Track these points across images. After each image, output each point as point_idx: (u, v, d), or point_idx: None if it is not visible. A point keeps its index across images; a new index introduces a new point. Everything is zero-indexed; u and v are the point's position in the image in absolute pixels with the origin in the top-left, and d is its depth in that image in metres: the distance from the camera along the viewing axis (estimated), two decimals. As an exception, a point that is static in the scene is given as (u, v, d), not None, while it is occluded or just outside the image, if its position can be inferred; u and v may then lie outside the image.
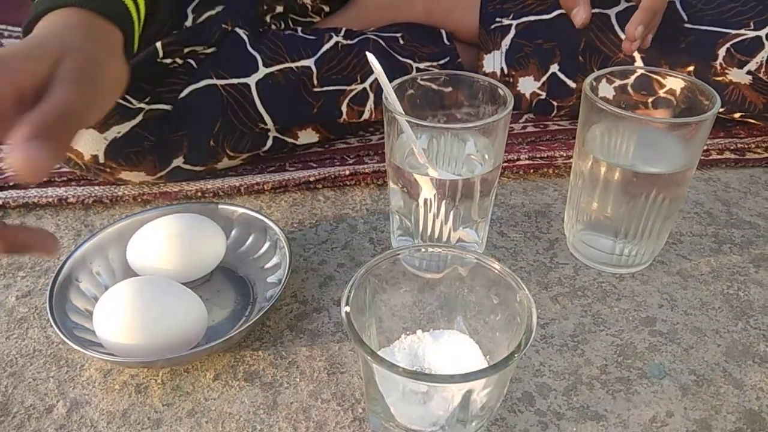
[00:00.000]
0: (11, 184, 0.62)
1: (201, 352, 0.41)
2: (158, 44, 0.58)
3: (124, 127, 0.58)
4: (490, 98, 0.49)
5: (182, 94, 0.60)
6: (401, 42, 0.71)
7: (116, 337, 0.41)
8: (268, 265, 0.51)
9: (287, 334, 0.47)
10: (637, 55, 0.68)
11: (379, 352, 0.41)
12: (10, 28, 0.99)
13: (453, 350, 0.42)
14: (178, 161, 0.61)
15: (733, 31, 0.65)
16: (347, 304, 0.37)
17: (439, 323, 0.44)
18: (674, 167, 0.47)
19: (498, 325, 0.40)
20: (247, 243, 0.53)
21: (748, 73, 0.65)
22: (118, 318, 0.41)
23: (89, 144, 0.57)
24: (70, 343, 0.41)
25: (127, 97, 0.57)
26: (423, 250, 0.43)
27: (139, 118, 0.58)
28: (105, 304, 0.42)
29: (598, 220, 0.51)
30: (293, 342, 0.46)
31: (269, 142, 0.65)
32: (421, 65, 0.72)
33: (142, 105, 0.58)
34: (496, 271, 0.39)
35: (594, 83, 0.50)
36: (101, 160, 0.58)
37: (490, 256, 0.40)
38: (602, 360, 0.44)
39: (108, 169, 0.59)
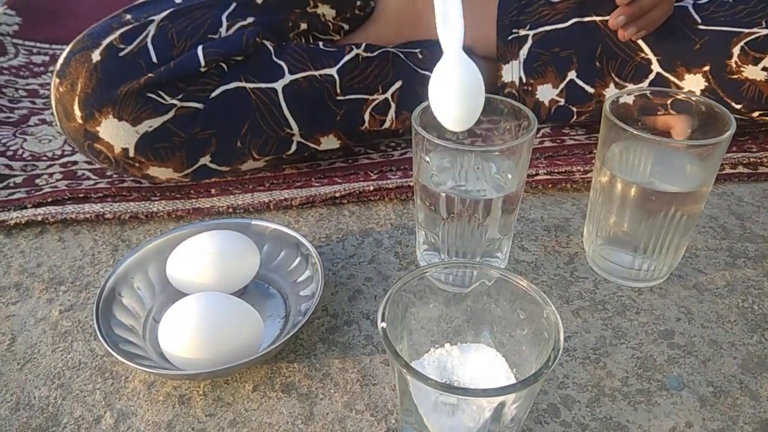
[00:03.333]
0: (50, 200, 0.64)
1: (241, 365, 0.44)
2: (200, 54, 0.60)
3: (155, 122, 0.60)
4: (512, 115, 0.51)
5: (213, 94, 0.62)
6: (420, 56, 0.74)
7: (183, 353, 0.43)
8: (300, 279, 0.53)
9: (320, 347, 0.49)
10: (653, 57, 0.70)
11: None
12: (39, 44, 1.02)
13: (480, 363, 0.44)
14: (205, 159, 0.64)
15: (746, 30, 0.66)
16: (383, 320, 0.39)
17: (466, 336, 0.46)
18: (691, 185, 0.49)
19: (524, 339, 0.42)
20: (279, 258, 0.55)
21: (764, 69, 0.66)
22: (185, 333, 0.43)
23: (121, 137, 0.60)
24: (117, 356, 0.44)
25: (161, 93, 0.60)
26: (449, 267, 0.45)
27: (171, 114, 0.60)
28: (171, 321, 0.44)
29: (618, 235, 0.53)
30: (326, 354, 0.48)
31: (293, 147, 0.67)
32: (441, 80, 0.74)
33: (174, 101, 0.60)
34: (523, 287, 0.41)
35: (615, 100, 0.51)
36: (131, 153, 0.61)
37: (513, 272, 0.42)
38: (623, 372, 0.46)
39: (137, 164, 0.62)
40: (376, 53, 0.71)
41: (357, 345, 0.49)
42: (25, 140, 0.77)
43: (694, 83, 0.55)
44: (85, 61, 0.59)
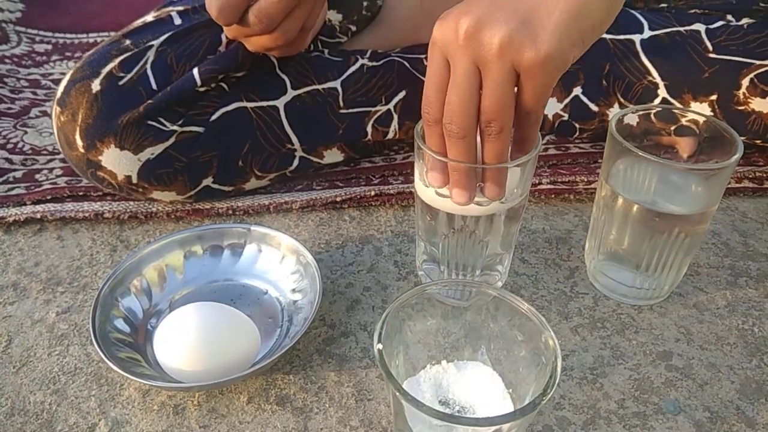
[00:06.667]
0: (49, 197, 0.64)
1: (237, 378, 0.43)
2: (196, 73, 0.60)
3: (157, 149, 0.60)
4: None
5: (213, 117, 0.62)
6: (425, 63, 0.73)
7: (179, 364, 0.43)
8: (297, 288, 0.53)
9: (316, 358, 0.49)
10: (660, 81, 0.69)
11: (406, 381, 0.43)
12: (42, 32, 1.01)
13: (477, 382, 0.43)
14: (208, 181, 0.63)
15: (758, 62, 0.65)
16: (380, 341, 0.39)
17: (463, 353, 0.45)
18: (696, 206, 0.49)
19: (522, 360, 0.42)
20: (278, 265, 0.55)
21: None
22: (181, 344, 0.43)
23: (123, 165, 0.59)
24: (111, 365, 0.43)
25: (161, 120, 0.59)
26: (448, 285, 0.45)
27: (172, 140, 0.60)
28: (167, 331, 0.44)
29: (619, 252, 0.52)
30: (322, 366, 0.48)
31: (296, 162, 0.67)
32: (446, 86, 0.73)
33: (175, 127, 0.60)
34: (523, 310, 0.41)
35: (620, 119, 0.51)
36: (134, 180, 0.60)
37: (516, 295, 0.41)
38: (620, 394, 0.46)
39: (140, 189, 0.61)
40: (381, 62, 0.70)
41: (353, 357, 0.49)
42: (25, 132, 0.76)
43: (697, 115, 0.56)
44: (85, 90, 0.59)
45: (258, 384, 0.47)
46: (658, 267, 0.51)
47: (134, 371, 0.45)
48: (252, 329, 0.46)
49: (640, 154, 0.46)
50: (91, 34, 1.02)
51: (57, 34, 1.01)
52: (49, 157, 0.72)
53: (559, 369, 0.37)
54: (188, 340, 0.43)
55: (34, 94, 0.85)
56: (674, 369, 0.48)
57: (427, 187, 0.48)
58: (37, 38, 1.00)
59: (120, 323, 0.49)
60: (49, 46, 0.98)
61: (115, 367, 0.43)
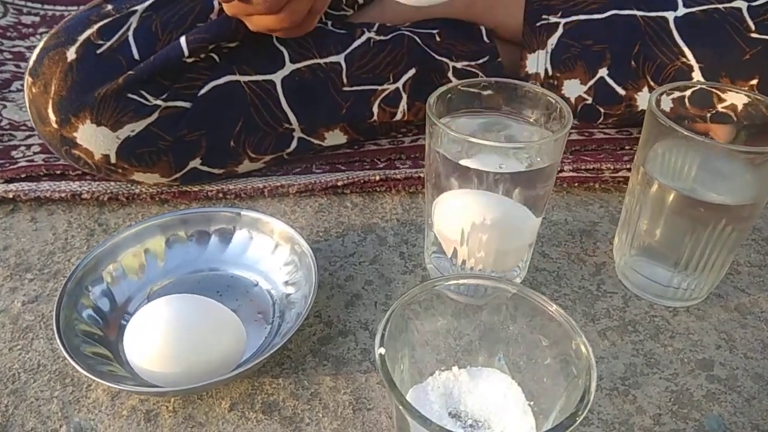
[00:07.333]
0: (23, 176, 0.58)
1: (217, 382, 0.38)
2: (183, 42, 0.54)
3: (138, 126, 0.54)
4: (542, 106, 0.45)
5: (202, 91, 0.56)
6: (438, 39, 0.67)
7: (152, 365, 0.38)
8: (291, 280, 0.47)
9: (310, 360, 0.43)
10: (695, 64, 0.63)
11: (411, 389, 0.38)
12: (29, 3, 0.96)
13: (493, 392, 0.38)
14: (195, 162, 0.57)
15: None
16: (382, 344, 0.33)
17: (477, 357, 0.40)
18: (744, 196, 0.43)
19: (547, 369, 0.36)
20: (270, 254, 0.49)
21: None
22: (154, 343, 0.38)
23: (100, 143, 0.54)
24: (76, 366, 0.38)
25: (143, 93, 0.54)
26: (462, 280, 0.39)
27: (155, 116, 0.54)
28: (139, 326, 0.38)
29: (655, 247, 0.46)
30: (316, 370, 0.42)
31: (294, 144, 0.61)
32: (458, 64, 0.67)
33: (158, 102, 0.54)
34: (550, 311, 0.35)
35: (658, 98, 0.45)
36: (112, 160, 0.55)
37: (534, 282, 0.36)
38: (656, 408, 0.40)
39: (120, 170, 0.56)
40: (389, 36, 0.64)
41: (352, 360, 0.43)
42: (4, 106, 0.71)
43: (737, 97, 0.49)
44: (59, 59, 0.53)
45: (242, 389, 0.41)
46: (699, 265, 0.45)
47: (101, 371, 0.39)
48: (237, 326, 0.41)
49: (685, 133, 0.40)
50: (82, 7, 0.97)
51: (46, 6, 0.96)
52: (27, 133, 0.66)
53: (593, 384, 0.31)
54: (162, 338, 0.38)
55: (17, 66, 0.80)
56: (716, 380, 0.42)
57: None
58: (25, 9, 0.94)
59: (89, 315, 0.44)
60: (37, 18, 0.93)
61: (78, 366, 0.38)
